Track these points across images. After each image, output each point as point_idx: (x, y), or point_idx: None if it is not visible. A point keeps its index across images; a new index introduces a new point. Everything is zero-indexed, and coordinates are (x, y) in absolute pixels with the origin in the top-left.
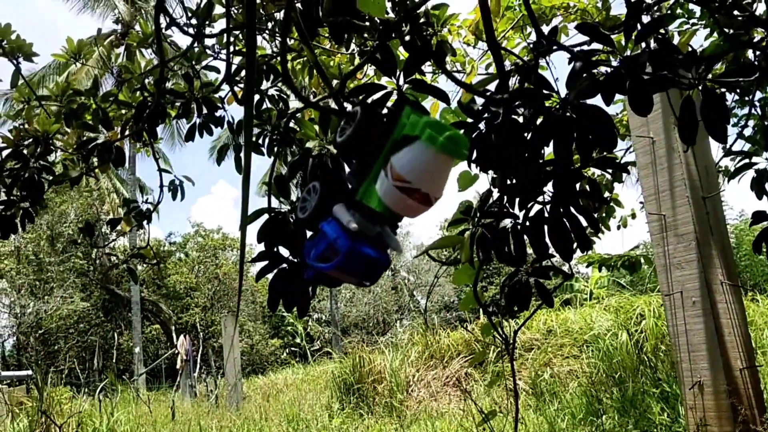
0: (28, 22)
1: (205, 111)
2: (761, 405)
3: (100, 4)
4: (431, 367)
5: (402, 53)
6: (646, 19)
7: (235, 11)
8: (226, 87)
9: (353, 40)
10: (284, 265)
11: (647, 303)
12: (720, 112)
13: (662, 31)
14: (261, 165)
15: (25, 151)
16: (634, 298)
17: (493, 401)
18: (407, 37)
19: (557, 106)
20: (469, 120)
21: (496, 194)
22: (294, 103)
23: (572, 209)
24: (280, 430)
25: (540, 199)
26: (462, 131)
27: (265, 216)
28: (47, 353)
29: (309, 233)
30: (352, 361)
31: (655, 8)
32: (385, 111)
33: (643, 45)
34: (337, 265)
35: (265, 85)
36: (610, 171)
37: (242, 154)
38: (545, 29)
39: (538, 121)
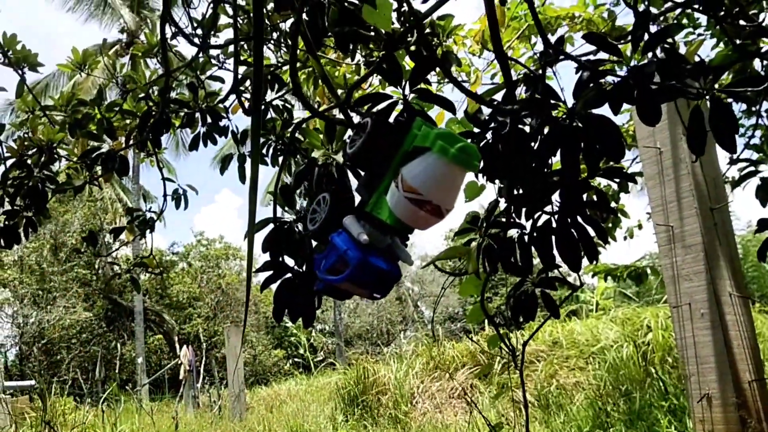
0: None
1: (209, 120)
2: None
3: (106, 14)
4: (436, 379)
5: (408, 63)
6: (652, 28)
7: (241, 21)
8: (230, 96)
9: (359, 51)
10: (289, 275)
11: (654, 315)
12: (729, 122)
13: (669, 40)
14: (265, 174)
15: (29, 161)
16: (641, 309)
17: (498, 413)
18: (413, 47)
19: (564, 116)
20: (476, 130)
21: (502, 204)
22: (298, 113)
23: (580, 219)
24: None
25: (547, 209)
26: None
27: (270, 225)
28: (50, 363)
29: (318, 245)
30: (356, 372)
31: (661, 18)
32: (395, 122)
33: (650, 55)
34: (348, 278)
35: (270, 95)
36: (616, 181)
37: (247, 164)
38: (551, 39)
39: (545, 130)
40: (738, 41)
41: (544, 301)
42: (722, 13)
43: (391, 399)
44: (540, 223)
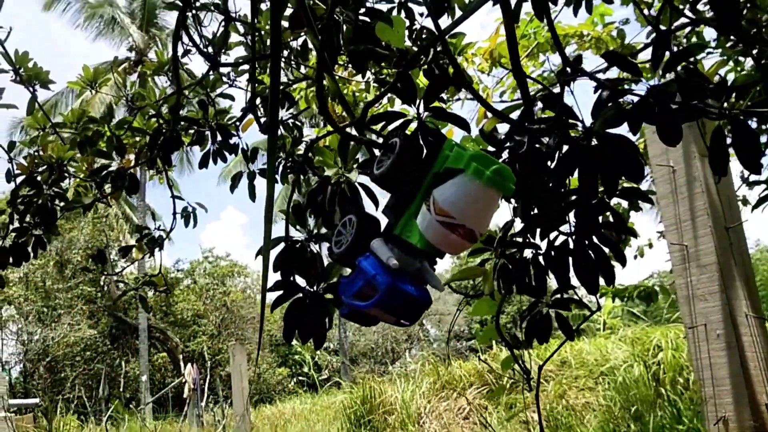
0: (40, 46)
1: (219, 138)
2: None
3: (114, 32)
4: (443, 398)
5: (421, 81)
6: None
7: (251, 40)
8: (239, 114)
9: (369, 69)
10: (300, 295)
11: (664, 334)
12: (752, 143)
13: (690, 60)
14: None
15: (38, 178)
16: (651, 329)
17: None
18: (425, 66)
19: (582, 135)
20: (491, 148)
21: (518, 224)
22: (307, 131)
23: (597, 240)
24: None
25: (563, 229)
26: None
27: (282, 245)
28: (54, 381)
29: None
30: (363, 391)
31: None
32: (425, 142)
33: (666, 74)
34: (377, 303)
35: (282, 113)
36: (632, 201)
37: (257, 182)
38: (557, 58)
39: (563, 149)
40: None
41: (558, 323)
42: (738, 34)
43: (398, 419)
44: (557, 243)
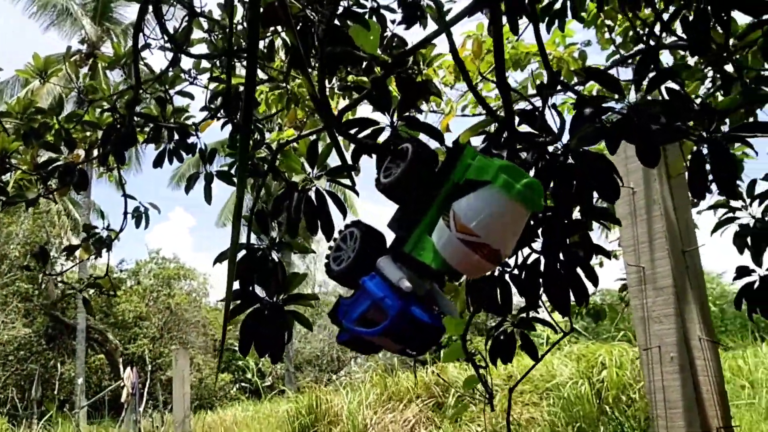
0: None
1: (176, 137)
2: None
3: (66, 23)
4: (389, 410)
5: (394, 90)
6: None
7: (215, 37)
8: (197, 113)
9: (336, 73)
10: (258, 306)
11: (609, 352)
12: (731, 168)
13: (678, 80)
14: (220, 194)
15: None
16: (596, 346)
17: None
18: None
19: (560, 152)
20: None
21: None
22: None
23: (568, 259)
24: None
25: (536, 247)
26: None
27: (242, 252)
28: None
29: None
30: (308, 400)
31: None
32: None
33: (649, 94)
34: (386, 331)
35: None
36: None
37: (214, 185)
38: (519, 75)
39: (538, 165)
40: (745, 86)
41: (522, 343)
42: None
43: (343, 430)
44: (529, 262)
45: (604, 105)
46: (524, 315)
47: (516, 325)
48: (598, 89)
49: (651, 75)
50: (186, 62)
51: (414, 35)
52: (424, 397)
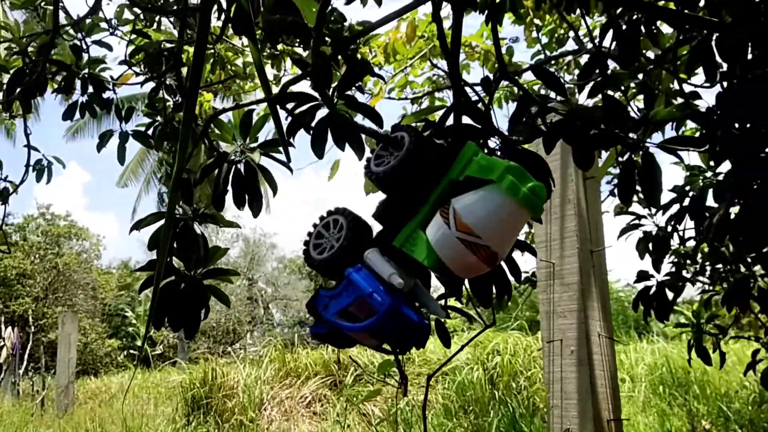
0: None
1: (90, 90)
2: None
3: None
4: (286, 386)
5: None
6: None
7: None
8: (116, 68)
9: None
10: (174, 278)
11: (504, 340)
12: (657, 178)
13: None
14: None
15: None
16: (493, 334)
17: (347, 426)
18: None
19: (497, 147)
20: None
21: None
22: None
23: None
24: None
25: None
26: None
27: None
28: None
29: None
30: (202, 372)
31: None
32: (444, 143)
33: (590, 99)
34: (371, 327)
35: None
36: None
37: (129, 144)
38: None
39: None
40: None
41: (437, 330)
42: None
43: (238, 404)
44: None
45: (548, 105)
46: (441, 303)
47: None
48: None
49: (594, 80)
50: (106, 10)
51: (353, 12)
52: (322, 374)
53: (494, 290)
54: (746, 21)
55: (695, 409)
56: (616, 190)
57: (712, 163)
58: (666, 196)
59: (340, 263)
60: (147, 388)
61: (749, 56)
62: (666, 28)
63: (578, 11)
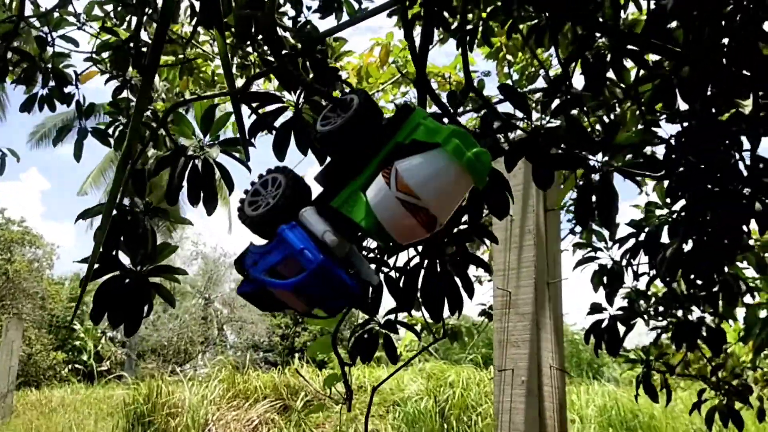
0: None
1: (52, 83)
2: None
3: None
4: (234, 408)
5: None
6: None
7: None
8: (80, 64)
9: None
10: (119, 273)
11: (458, 373)
12: (613, 203)
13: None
14: (88, 159)
15: None
16: (447, 366)
17: None
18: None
19: None
20: None
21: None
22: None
23: (449, 268)
24: None
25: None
26: None
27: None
28: None
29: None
30: (147, 389)
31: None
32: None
33: (552, 119)
34: (299, 284)
35: (131, 71)
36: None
37: (87, 142)
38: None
39: None
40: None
41: (384, 345)
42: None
43: (182, 423)
44: (410, 265)
45: (512, 121)
46: (391, 317)
47: (381, 326)
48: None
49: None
50: (77, 5)
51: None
52: (271, 398)
53: (446, 303)
54: (708, 55)
55: None
56: (576, 227)
57: (668, 200)
58: (623, 230)
59: (274, 220)
60: (89, 403)
61: (708, 93)
62: (630, 64)
63: (550, 49)
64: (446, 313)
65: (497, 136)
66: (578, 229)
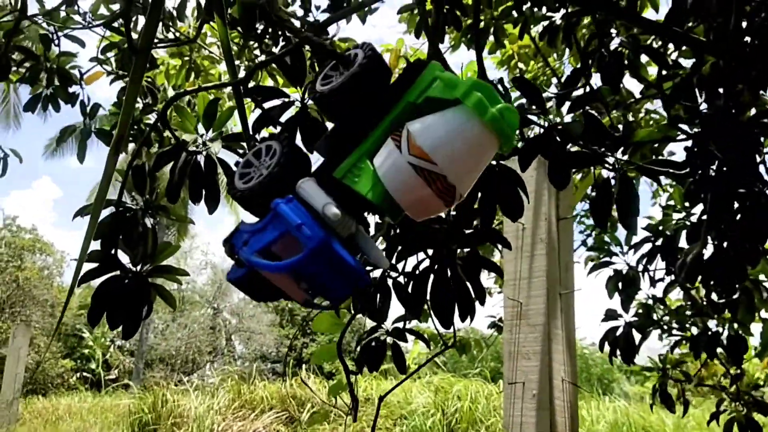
0: None
1: (57, 83)
2: None
3: None
4: (240, 418)
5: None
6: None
7: None
8: (85, 64)
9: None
10: (118, 273)
11: (467, 387)
12: (634, 202)
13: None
14: (98, 168)
15: None
16: (455, 379)
17: None
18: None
19: None
20: None
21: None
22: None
23: (460, 273)
24: None
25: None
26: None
27: (110, 210)
28: None
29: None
30: (153, 398)
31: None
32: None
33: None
34: (297, 265)
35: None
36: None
37: (91, 142)
38: None
39: None
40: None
41: (393, 353)
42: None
43: None
44: (420, 269)
45: (527, 116)
46: (399, 325)
47: (390, 333)
48: None
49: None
50: (83, 4)
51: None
52: (278, 408)
53: (456, 309)
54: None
55: None
56: (590, 236)
57: (687, 204)
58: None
59: (268, 193)
60: (95, 412)
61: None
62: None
63: (562, 57)
64: (457, 321)
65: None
66: (590, 241)
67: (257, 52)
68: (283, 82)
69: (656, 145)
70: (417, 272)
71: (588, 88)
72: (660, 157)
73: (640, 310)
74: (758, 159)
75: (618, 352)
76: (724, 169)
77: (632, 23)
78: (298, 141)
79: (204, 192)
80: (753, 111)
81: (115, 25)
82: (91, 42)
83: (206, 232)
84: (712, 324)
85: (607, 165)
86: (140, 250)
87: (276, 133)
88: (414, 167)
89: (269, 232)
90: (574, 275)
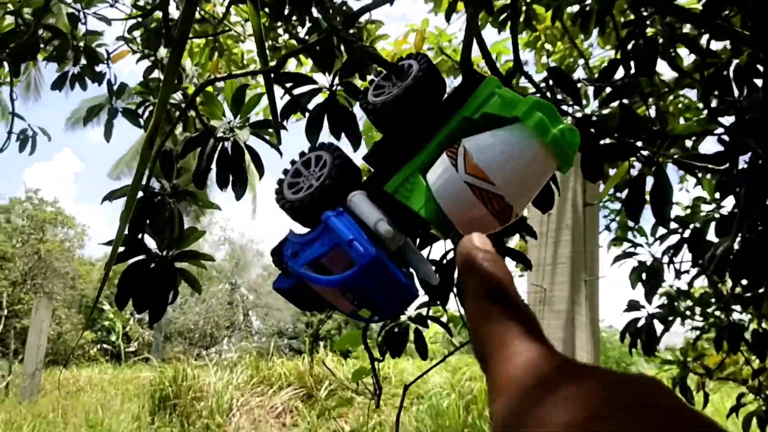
0: None
1: (83, 61)
2: None
3: None
4: (258, 394)
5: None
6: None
7: None
8: (112, 43)
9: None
10: (145, 257)
11: None
12: (668, 195)
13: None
14: (120, 142)
15: None
16: (471, 360)
17: None
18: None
19: None
20: None
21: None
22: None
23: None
24: None
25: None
26: None
27: (138, 195)
28: None
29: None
30: (173, 372)
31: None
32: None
33: (603, 107)
34: (347, 281)
35: (162, 52)
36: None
37: (117, 121)
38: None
39: None
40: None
41: (415, 339)
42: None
43: (206, 407)
44: (446, 258)
45: (560, 107)
46: (422, 311)
47: (412, 320)
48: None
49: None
50: None
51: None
52: (296, 385)
53: None
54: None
55: None
56: (614, 221)
57: (717, 195)
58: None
59: (318, 205)
60: (116, 383)
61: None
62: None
63: (589, 38)
64: None
65: None
66: (613, 226)
67: (280, 31)
68: (307, 63)
69: (694, 138)
70: (444, 262)
71: (627, 78)
72: (696, 151)
73: (665, 301)
74: None
75: (638, 344)
76: (760, 162)
77: (668, 12)
78: (345, 150)
79: (231, 178)
80: None
81: (141, 3)
82: (118, 22)
83: (224, 208)
84: (735, 317)
85: (641, 157)
86: (167, 234)
87: (326, 144)
88: (470, 186)
89: (319, 245)
90: (599, 262)
